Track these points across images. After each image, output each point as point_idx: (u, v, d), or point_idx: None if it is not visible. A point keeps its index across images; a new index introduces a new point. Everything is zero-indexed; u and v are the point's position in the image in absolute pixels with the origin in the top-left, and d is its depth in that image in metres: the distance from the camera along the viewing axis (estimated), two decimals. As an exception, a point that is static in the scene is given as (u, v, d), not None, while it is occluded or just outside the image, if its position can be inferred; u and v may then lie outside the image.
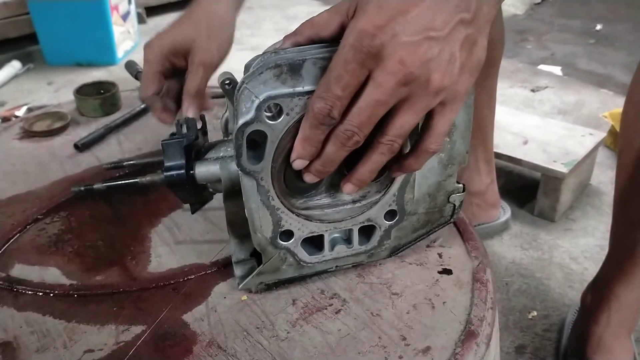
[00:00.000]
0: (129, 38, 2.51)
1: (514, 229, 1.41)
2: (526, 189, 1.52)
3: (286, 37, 0.50)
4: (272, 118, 0.49)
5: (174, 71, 0.77)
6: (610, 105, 1.93)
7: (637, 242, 0.88)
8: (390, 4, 0.43)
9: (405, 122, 0.46)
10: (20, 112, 1.86)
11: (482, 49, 0.47)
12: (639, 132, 0.83)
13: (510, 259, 1.31)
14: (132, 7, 2.54)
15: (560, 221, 1.43)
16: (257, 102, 0.48)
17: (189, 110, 0.73)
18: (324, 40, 0.49)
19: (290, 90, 0.48)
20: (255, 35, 2.74)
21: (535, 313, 1.16)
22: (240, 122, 0.48)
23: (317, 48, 0.49)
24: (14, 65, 2.29)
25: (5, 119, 1.79)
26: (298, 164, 0.50)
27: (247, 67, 0.51)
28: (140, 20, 2.78)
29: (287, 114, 0.49)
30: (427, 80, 0.44)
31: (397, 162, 0.52)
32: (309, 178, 0.51)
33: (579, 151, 1.41)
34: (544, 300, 1.20)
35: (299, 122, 0.50)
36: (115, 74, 2.23)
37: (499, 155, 1.41)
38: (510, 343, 1.10)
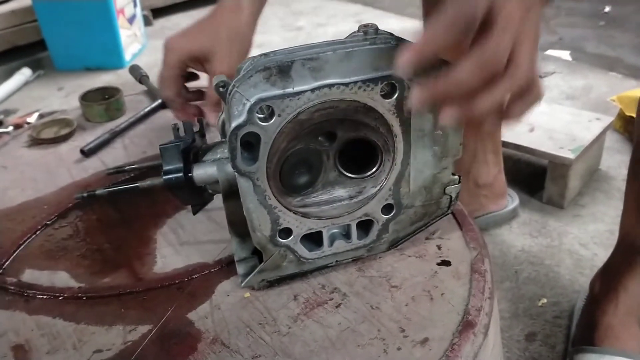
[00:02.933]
0: (136, 41, 2.53)
1: (523, 216, 1.41)
2: (534, 176, 1.52)
3: None
4: (264, 120, 0.50)
5: (191, 74, 0.80)
6: (618, 89, 1.91)
7: None
8: None
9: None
10: (32, 119, 1.89)
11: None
12: None
13: (519, 247, 1.31)
14: (138, 9, 2.55)
15: (569, 207, 1.43)
16: (248, 104, 0.49)
17: (210, 118, 0.76)
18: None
19: (280, 91, 0.49)
20: (261, 33, 2.73)
21: (545, 300, 1.16)
22: (233, 125, 0.49)
23: (305, 49, 0.50)
24: (24, 73, 2.32)
25: (18, 126, 1.82)
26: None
27: (238, 71, 0.53)
28: (147, 22, 2.80)
29: (279, 115, 0.50)
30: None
31: None
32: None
33: (585, 136, 1.40)
34: (554, 287, 1.19)
35: (291, 123, 0.51)
36: (123, 77, 2.25)
37: (505, 144, 1.40)
38: (520, 331, 1.10)
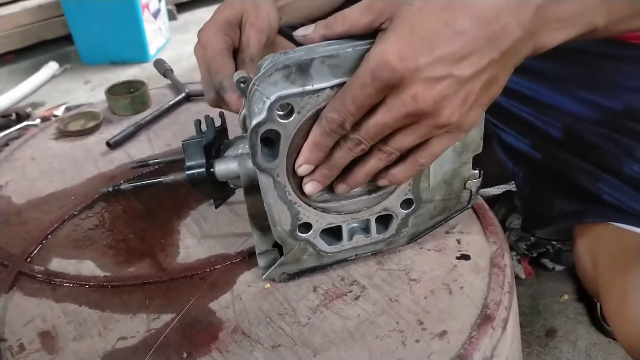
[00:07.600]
0: (160, 35, 2.56)
1: (545, 212, 1.39)
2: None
3: (318, 26, 0.51)
4: (284, 117, 0.51)
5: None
6: None
7: None
8: (424, 32, 0.44)
9: (406, 141, 0.49)
10: (59, 112, 1.92)
11: (500, 87, 0.48)
12: None
13: (541, 243, 1.30)
14: (163, 4, 2.58)
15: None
16: (268, 102, 0.49)
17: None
18: (353, 37, 0.50)
19: (300, 89, 0.50)
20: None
21: (566, 296, 1.16)
22: (254, 122, 0.50)
23: (324, 46, 0.51)
24: (52, 66, 2.36)
25: (45, 119, 1.86)
26: (304, 169, 0.52)
27: (258, 68, 0.53)
28: (171, 16, 2.83)
29: (299, 113, 0.50)
30: (437, 115, 0.46)
31: (386, 170, 0.53)
32: (311, 187, 0.53)
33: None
34: (576, 283, 1.19)
35: (310, 120, 0.51)
36: (148, 70, 2.28)
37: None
38: (540, 327, 1.10)
